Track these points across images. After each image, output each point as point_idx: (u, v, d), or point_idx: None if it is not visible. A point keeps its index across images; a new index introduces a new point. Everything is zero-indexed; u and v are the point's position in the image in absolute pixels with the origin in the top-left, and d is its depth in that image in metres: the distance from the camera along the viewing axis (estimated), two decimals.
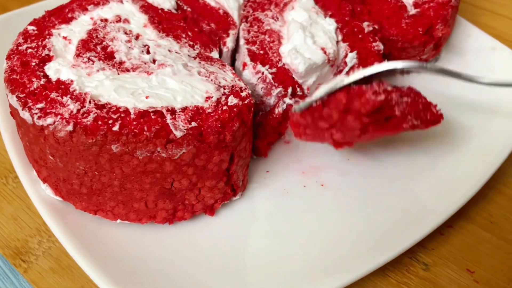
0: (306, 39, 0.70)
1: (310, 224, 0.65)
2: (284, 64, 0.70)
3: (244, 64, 0.69)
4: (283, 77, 0.69)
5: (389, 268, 0.65)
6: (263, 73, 0.68)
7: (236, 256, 0.61)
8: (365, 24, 0.77)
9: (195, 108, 0.56)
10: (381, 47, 0.75)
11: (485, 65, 0.86)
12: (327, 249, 0.62)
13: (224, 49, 0.70)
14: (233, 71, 0.64)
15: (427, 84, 0.83)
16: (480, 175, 0.69)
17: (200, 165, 0.56)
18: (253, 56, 0.70)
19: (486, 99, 0.81)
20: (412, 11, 0.80)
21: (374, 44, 0.75)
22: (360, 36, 0.76)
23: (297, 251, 0.62)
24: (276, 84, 0.68)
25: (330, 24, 0.74)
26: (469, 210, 0.71)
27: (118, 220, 0.60)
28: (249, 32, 0.73)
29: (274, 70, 0.69)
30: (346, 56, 0.73)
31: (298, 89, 0.70)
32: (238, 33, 0.74)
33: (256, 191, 0.68)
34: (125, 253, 0.59)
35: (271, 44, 0.72)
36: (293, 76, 0.70)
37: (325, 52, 0.70)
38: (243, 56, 0.70)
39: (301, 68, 0.68)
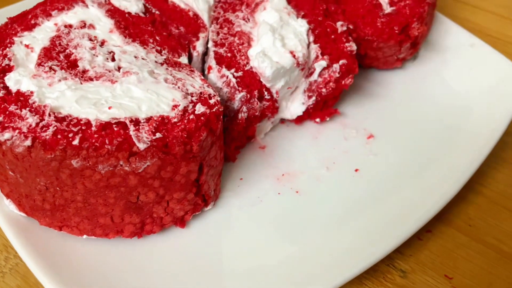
0: (275, 41, 0.69)
1: (285, 233, 0.63)
2: (251, 68, 0.68)
3: (209, 68, 0.68)
4: (250, 80, 0.68)
5: (365, 276, 0.64)
6: (227, 77, 0.66)
7: (211, 267, 0.60)
8: (339, 24, 0.76)
9: (160, 118, 0.54)
10: (354, 47, 0.74)
11: (464, 62, 0.85)
12: (303, 259, 0.61)
13: (194, 53, 0.68)
14: (202, 77, 0.62)
15: (408, 84, 0.83)
16: (458, 176, 0.68)
17: (167, 177, 0.54)
18: (220, 59, 0.68)
19: (462, 100, 0.80)
20: (388, 9, 0.78)
21: (347, 44, 0.73)
22: (332, 36, 0.74)
23: (272, 262, 0.60)
24: (239, 89, 0.66)
25: (301, 26, 0.72)
26: (448, 213, 0.70)
27: (85, 236, 0.58)
28: (218, 34, 0.71)
29: (240, 73, 0.67)
30: (317, 58, 0.71)
31: (266, 93, 0.69)
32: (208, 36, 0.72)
33: (230, 199, 0.66)
34: (92, 270, 0.57)
35: (240, 47, 0.70)
36: (261, 79, 0.68)
37: (294, 56, 0.68)
38: (210, 59, 0.69)
39: (268, 72, 0.67)
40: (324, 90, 0.72)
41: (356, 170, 0.71)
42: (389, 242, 0.61)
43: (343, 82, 0.73)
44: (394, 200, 0.67)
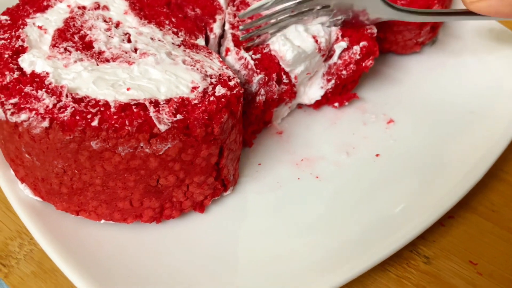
0: (297, 25, 0.67)
1: (305, 219, 0.62)
2: (270, 50, 0.67)
3: (227, 50, 0.66)
4: (268, 63, 0.66)
5: (389, 262, 0.63)
6: (245, 59, 0.65)
7: (229, 254, 0.59)
8: None
9: (180, 100, 0.53)
10: (375, 30, 0.72)
11: (483, 46, 0.84)
12: (324, 245, 0.60)
13: (211, 36, 0.67)
14: (220, 59, 0.61)
15: (427, 69, 0.82)
16: (481, 163, 0.67)
17: (187, 160, 0.53)
18: (237, 42, 0.66)
19: (485, 85, 0.78)
20: None
21: (367, 27, 0.72)
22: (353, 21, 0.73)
23: (293, 247, 0.59)
24: (258, 71, 0.65)
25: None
26: (471, 199, 0.68)
27: (102, 221, 0.57)
28: (235, 16, 0.69)
29: (258, 56, 0.66)
30: (337, 40, 0.70)
31: (284, 77, 0.67)
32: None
33: (248, 185, 0.65)
34: (110, 255, 0.56)
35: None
36: (280, 63, 0.67)
37: (316, 41, 0.67)
38: (227, 41, 0.67)
39: (289, 55, 0.65)
40: (344, 72, 0.71)
41: (377, 155, 0.69)
42: (412, 228, 0.60)
43: (363, 65, 0.71)
44: (415, 186, 0.66)
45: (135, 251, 0.57)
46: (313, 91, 0.72)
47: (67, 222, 0.58)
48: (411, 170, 0.68)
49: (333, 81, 0.71)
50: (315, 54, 0.67)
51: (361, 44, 0.70)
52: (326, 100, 0.74)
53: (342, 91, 0.74)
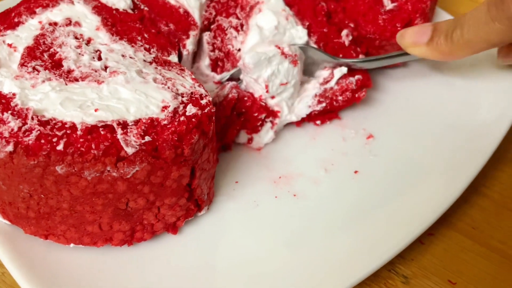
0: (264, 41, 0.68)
1: (282, 239, 0.61)
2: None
3: None
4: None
5: (366, 282, 0.62)
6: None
7: (204, 274, 0.58)
8: (344, 34, 0.74)
9: (149, 120, 0.52)
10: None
11: (464, 59, 0.83)
12: (300, 266, 0.59)
13: (184, 52, 0.66)
14: (193, 76, 0.60)
15: (408, 84, 0.81)
16: (461, 178, 0.66)
17: (157, 182, 0.52)
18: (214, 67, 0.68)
19: (463, 99, 0.78)
20: (389, 5, 0.76)
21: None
22: (341, 55, 0.73)
23: (268, 268, 0.58)
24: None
25: (300, 38, 0.70)
26: (451, 216, 0.68)
27: (72, 244, 0.56)
28: (214, 48, 0.70)
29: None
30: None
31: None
32: (200, 36, 0.70)
33: (225, 204, 0.64)
34: (81, 279, 0.55)
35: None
36: (246, 75, 0.67)
37: (278, 47, 0.67)
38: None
39: (248, 59, 0.65)
40: (340, 98, 0.71)
41: (356, 172, 0.69)
42: (391, 247, 0.59)
43: (356, 95, 0.72)
44: (395, 203, 0.65)
45: (107, 275, 0.56)
46: (300, 108, 0.71)
47: (37, 246, 0.56)
48: (390, 186, 0.67)
49: (323, 105, 0.71)
50: (281, 59, 0.66)
51: (356, 77, 0.71)
52: (308, 117, 0.73)
53: (327, 113, 0.74)
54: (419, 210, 0.63)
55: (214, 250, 0.60)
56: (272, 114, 0.69)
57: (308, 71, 0.73)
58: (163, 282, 0.56)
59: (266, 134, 0.70)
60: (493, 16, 0.59)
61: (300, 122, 0.74)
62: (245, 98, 0.68)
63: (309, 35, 0.72)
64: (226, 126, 0.67)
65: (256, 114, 0.68)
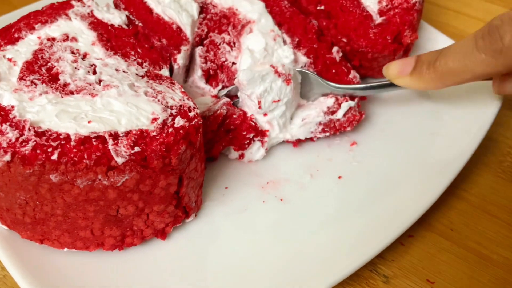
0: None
1: (268, 241, 0.62)
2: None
3: None
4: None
5: (348, 282, 0.62)
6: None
7: (193, 278, 0.58)
8: (335, 50, 0.74)
9: (139, 132, 0.53)
10: (357, 76, 0.74)
11: None
12: (287, 266, 0.60)
13: (175, 66, 0.67)
14: (183, 90, 0.61)
15: (391, 92, 0.82)
16: (440, 181, 0.67)
17: (146, 190, 0.53)
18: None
19: (443, 106, 0.79)
20: (378, 19, 0.77)
21: (350, 76, 0.73)
22: (334, 71, 0.73)
23: (255, 269, 0.59)
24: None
25: (286, 57, 0.70)
26: (430, 218, 0.68)
27: (65, 249, 0.57)
28: (206, 61, 0.71)
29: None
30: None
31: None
32: (192, 51, 0.71)
33: (214, 208, 0.65)
34: (76, 282, 0.56)
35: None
36: (241, 92, 0.68)
37: (272, 66, 0.67)
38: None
39: (242, 75, 0.66)
40: (349, 128, 0.72)
41: (340, 177, 0.69)
42: (372, 247, 0.60)
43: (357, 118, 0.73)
44: (376, 206, 0.66)
45: (100, 278, 0.56)
46: (298, 129, 0.71)
47: (34, 249, 0.57)
48: (372, 190, 0.68)
49: (327, 134, 0.72)
50: (274, 77, 0.67)
51: (356, 100, 0.72)
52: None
53: None
54: (399, 212, 0.64)
55: (202, 253, 0.61)
56: (261, 133, 0.69)
57: (304, 95, 0.73)
58: (152, 285, 0.57)
59: (257, 151, 0.70)
60: (479, 47, 0.59)
61: (297, 143, 0.74)
62: (234, 116, 0.68)
63: (298, 49, 0.73)
64: (212, 141, 0.68)
65: (244, 133, 0.68)
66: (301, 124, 0.71)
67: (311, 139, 0.73)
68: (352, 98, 0.72)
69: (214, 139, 0.67)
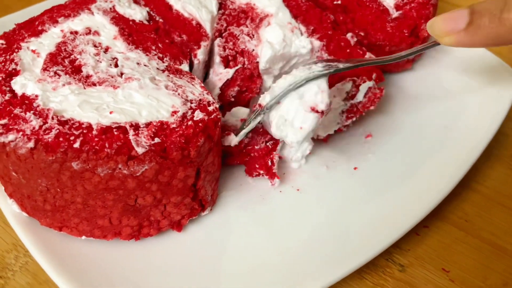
0: (294, 101, 0.62)
1: (286, 230, 0.60)
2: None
3: None
4: None
5: (365, 270, 0.60)
6: None
7: (207, 270, 0.56)
8: (349, 35, 0.71)
9: (159, 124, 0.51)
10: (373, 57, 0.70)
11: (457, 62, 0.80)
12: (304, 255, 0.57)
13: (195, 61, 0.64)
14: (202, 84, 0.58)
15: (406, 85, 0.78)
16: (454, 173, 0.64)
17: (164, 181, 0.51)
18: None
19: (457, 99, 0.75)
20: (395, 14, 0.74)
21: (366, 57, 0.69)
22: (348, 50, 0.70)
23: (273, 257, 0.57)
24: None
25: (304, 47, 0.67)
26: (445, 209, 0.66)
27: (83, 237, 0.55)
28: (224, 48, 0.67)
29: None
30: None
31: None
32: (212, 46, 0.68)
33: (232, 198, 0.62)
34: (95, 269, 0.53)
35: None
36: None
37: (316, 111, 0.61)
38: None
39: (290, 139, 0.62)
40: (372, 107, 0.68)
41: (355, 168, 0.66)
42: (388, 237, 0.57)
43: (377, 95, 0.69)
44: (391, 197, 0.63)
45: (116, 267, 0.54)
46: (329, 127, 0.69)
47: (54, 236, 0.55)
48: (387, 181, 0.65)
49: (354, 119, 0.69)
50: (318, 122, 0.62)
51: (374, 75, 0.68)
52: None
53: None
54: (414, 203, 0.61)
55: (217, 246, 0.58)
56: (272, 175, 0.64)
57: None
58: (166, 275, 0.54)
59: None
60: None
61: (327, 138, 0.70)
62: (257, 147, 0.64)
63: (312, 35, 0.70)
64: (229, 154, 0.64)
65: (257, 166, 0.64)
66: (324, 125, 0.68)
67: (339, 130, 0.70)
68: (369, 77, 0.68)
69: (232, 152, 0.65)
